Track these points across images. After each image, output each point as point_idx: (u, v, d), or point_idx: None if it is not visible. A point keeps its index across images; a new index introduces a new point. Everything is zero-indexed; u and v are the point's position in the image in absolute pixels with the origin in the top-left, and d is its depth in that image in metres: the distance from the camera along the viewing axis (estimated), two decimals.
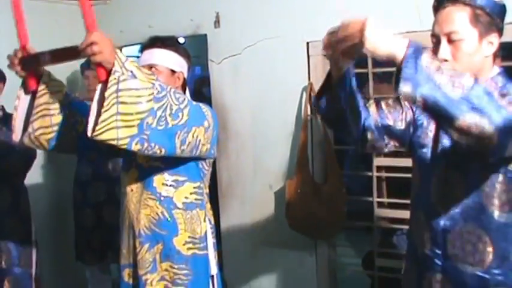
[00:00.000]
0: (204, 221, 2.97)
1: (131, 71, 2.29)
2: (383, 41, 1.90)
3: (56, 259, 5.49)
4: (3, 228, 4.22)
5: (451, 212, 2.26)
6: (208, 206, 3.09)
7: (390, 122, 2.44)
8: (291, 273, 4.87)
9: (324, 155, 4.54)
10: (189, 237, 2.91)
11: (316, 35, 4.38)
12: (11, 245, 4.21)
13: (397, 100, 2.49)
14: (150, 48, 2.96)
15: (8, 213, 4.23)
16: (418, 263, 2.45)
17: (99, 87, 2.28)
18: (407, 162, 3.57)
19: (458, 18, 2.07)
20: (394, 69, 1.88)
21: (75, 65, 5.29)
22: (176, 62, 2.98)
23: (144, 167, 2.92)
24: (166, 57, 2.94)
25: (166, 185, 2.87)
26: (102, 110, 2.19)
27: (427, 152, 2.37)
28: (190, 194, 2.91)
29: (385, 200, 4.51)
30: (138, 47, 6.43)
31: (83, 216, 5.14)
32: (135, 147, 2.31)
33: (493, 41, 2.11)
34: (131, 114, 2.26)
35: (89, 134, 2.20)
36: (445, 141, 2.30)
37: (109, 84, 2.22)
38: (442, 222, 2.29)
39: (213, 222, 3.11)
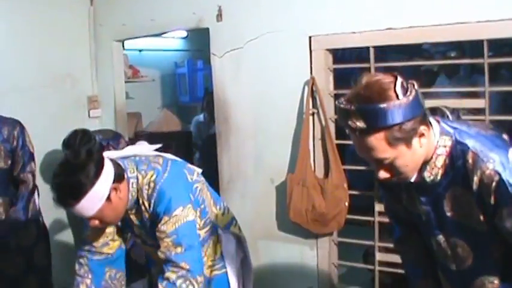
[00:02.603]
0: (219, 241, 3.04)
1: None
2: None
3: None
4: None
5: (461, 269, 2.23)
6: (219, 219, 3.09)
7: None
8: (292, 266, 4.88)
9: (325, 150, 4.54)
10: (211, 261, 3.04)
11: (318, 29, 4.40)
12: None
13: None
14: (68, 207, 2.55)
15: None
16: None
17: None
18: None
19: (379, 146, 1.90)
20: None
21: None
22: (101, 194, 2.52)
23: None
24: (91, 204, 2.51)
25: None
26: None
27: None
28: (199, 231, 2.86)
29: None
30: (140, 40, 6.53)
31: None
32: None
33: (423, 131, 1.96)
34: None
35: None
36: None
37: None
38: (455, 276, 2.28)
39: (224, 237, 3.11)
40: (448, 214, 2.11)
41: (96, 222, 2.59)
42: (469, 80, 6.32)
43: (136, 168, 2.68)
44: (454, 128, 2.06)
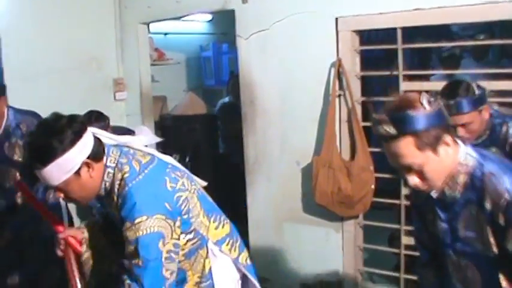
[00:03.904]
0: (207, 257, 2.76)
1: None
2: None
3: None
4: None
5: None
6: (210, 232, 2.80)
7: None
8: (316, 249, 4.88)
9: (351, 132, 4.51)
10: (198, 277, 2.78)
11: (345, 11, 4.36)
12: None
13: None
14: (36, 169, 2.42)
15: None
16: None
17: None
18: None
19: (407, 152, 2.06)
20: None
21: None
22: (71, 164, 2.40)
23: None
24: (58, 172, 2.39)
25: None
26: None
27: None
28: (185, 244, 2.66)
29: None
30: (165, 23, 6.52)
31: None
32: None
33: (448, 141, 2.11)
34: None
35: None
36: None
37: None
38: None
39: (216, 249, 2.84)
40: (461, 234, 2.20)
41: (60, 194, 2.50)
42: (498, 64, 6.23)
43: (117, 160, 2.54)
44: (479, 153, 2.20)
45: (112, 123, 5.60)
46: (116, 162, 2.53)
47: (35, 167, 2.40)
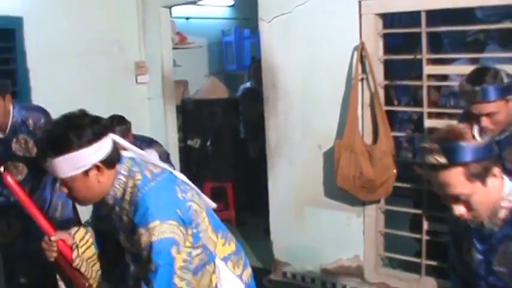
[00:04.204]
0: (214, 272, 2.71)
1: None
2: None
3: None
4: None
5: None
6: (217, 248, 2.75)
7: None
8: (337, 233, 4.86)
9: (374, 116, 4.48)
10: None
11: None
12: None
13: None
14: (48, 158, 2.39)
15: None
16: None
17: None
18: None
19: (456, 182, 2.06)
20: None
21: None
22: (82, 161, 2.39)
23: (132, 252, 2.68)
24: (68, 165, 2.38)
25: None
26: None
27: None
28: (193, 260, 2.60)
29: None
30: (187, 8, 6.51)
31: None
32: None
33: (496, 173, 2.11)
34: None
35: None
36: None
37: None
38: None
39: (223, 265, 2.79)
40: (495, 268, 2.19)
41: (65, 189, 2.44)
42: None
43: (129, 169, 2.53)
44: None
45: (133, 106, 5.66)
46: (128, 171, 2.52)
47: (46, 154, 2.38)
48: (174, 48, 6.28)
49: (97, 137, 2.40)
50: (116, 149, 2.52)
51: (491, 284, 2.21)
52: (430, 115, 4.46)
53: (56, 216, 4.11)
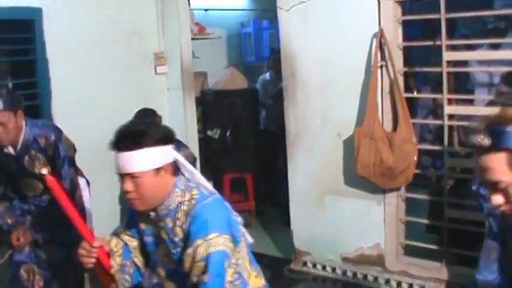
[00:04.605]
0: None
1: None
2: None
3: None
4: None
5: None
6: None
7: None
8: (358, 222, 4.85)
9: (393, 103, 4.46)
10: None
11: None
12: None
13: None
14: (122, 152, 2.47)
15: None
16: None
17: None
18: (479, 110, 3.49)
19: (497, 168, 1.96)
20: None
21: None
22: (157, 158, 2.50)
23: (171, 268, 2.71)
24: (143, 159, 2.46)
25: None
26: None
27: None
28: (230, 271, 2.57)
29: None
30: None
31: None
32: None
33: None
34: None
35: None
36: None
37: None
38: None
39: None
40: None
41: (130, 185, 2.48)
42: None
43: (186, 184, 2.60)
44: None
45: (153, 97, 5.66)
46: (185, 185, 2.59)
47: (124, 147, 2.45)
48: (193, 39, 6.26)
49: (167, 140, 2.55)
50: (175, 161, 2.61)
51: None
52: (450, 102, 4.44)
53: None
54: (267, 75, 7.32)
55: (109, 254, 2.71)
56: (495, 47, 4.97)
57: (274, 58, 6.73)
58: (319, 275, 5.15)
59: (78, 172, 4.12)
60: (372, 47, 4.51)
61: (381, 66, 4.49)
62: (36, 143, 3.86)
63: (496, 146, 1.93)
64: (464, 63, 5.04)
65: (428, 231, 5.09)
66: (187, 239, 2.47)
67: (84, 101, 5.01)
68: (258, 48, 8.26)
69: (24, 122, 3.83)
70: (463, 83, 5.53)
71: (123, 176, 2.49)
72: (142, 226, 2.73)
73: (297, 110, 5.03)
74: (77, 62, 4.99)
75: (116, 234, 2.86)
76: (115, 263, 2.70)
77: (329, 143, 4.87)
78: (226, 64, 8.18)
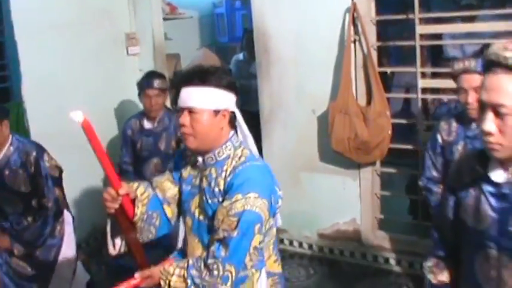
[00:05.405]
0: (258, 280, 2.67)
1: None
2: None
3: None
4: None
5: None
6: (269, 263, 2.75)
7: None
8: (333, 198, 4.87)
9: (367, 77, 4.46)
10: None
11: None
12: None
13: None
14: (188, 86, 2.52)
15: None
16: None
17: None
18: (453, 83, 3.50)
19: (509, 90, 1.83)
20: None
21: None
22: (218, 100, 2.53)
23: (199, 220, 2.68)
24: (205, 97, 2.50)
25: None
26: None
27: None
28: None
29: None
30: None
31: None
32: None
33: None
34: None
35: None
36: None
37: None
38: None
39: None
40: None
41: (187, 119, 2.50)
42: None
43: (240, 142, 2.62)
44: None
45: (125, 78, 5.61)
46: (238, 143, 2.61)
47: (191, 82, 2.50)
48: (164, 19, 6.20)
49: (233, 86, 2.59)
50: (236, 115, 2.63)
51: (503, 246, 1.98)
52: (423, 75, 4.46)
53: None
54: (241, 56, 7.28)
55: (134, 202, 2.66)
56: (468, 21, 4.98)
57: (247, 38, 6.70)
58: (296, 252, 5.16)
59: (64, 202, 3.99)
60: (345, 21, 4.50)
61: (354, 41, 4.48)
62: (18, 158, 3.78)
63: None
64: (438, 37, 5.06)
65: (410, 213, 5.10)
66: (226, 192, 2.48)
67: (55, 83, 4.92)
68: (231, 28, 8.24)
69: (9, 134, 3.77)
70: (436, 58, 5.56)
71: (182, 110, 2.51)
72: (185, 174, 2.73)
73: (271, 87, 5.01)
74: (46, 44, 4.90)
75: (150, 183, 2.82)
76: (138, 211, 2.66)
77: (304, 119, 4.86)
78: (199, 45, 8.14)
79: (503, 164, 1.95)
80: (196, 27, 8.20)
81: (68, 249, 3.96)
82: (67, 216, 3.97)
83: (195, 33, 8.19)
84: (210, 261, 2.37)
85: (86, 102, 5.13)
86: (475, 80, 3.13)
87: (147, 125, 4.75)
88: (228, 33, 8.21)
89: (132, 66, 5.80)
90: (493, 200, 2.01)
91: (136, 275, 2.44)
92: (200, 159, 2.60)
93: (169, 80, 6.12)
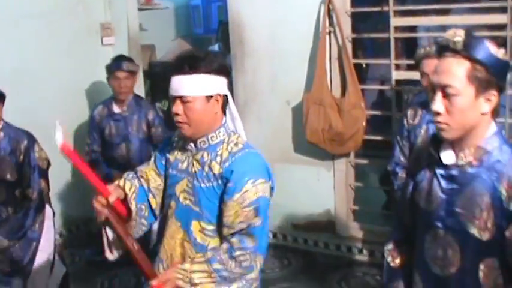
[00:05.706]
0: None
1: None
2: None
3: None
4: None
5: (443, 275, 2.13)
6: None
7: None
8: (307, 189, 4.88)
9: (342, 69, 4.48)
10: None
11: None
12: None
13: None
14: (178, 75, 2.47)
15: None
16: None
17: None
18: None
19: (456, 72, 1.95)
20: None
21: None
22: (210, 86, 2.48)
23: (183, 204, 2.65)
24: (197, 84, 2.46)
25: (204, 233, 2.59)
26: None
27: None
28: None
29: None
30: None
31: None
32: None
33: (491, 99, 1.98)
34: None
35: None
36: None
37: None
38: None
39: None
40: (458, 209, 2.05)
41: (180, 108, 2.46)
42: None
43: (233, 128, 2.61)
44: (505, 139, 2.09)
45: (99, 68, 5.56)
46: (232, 129, 2.60)
47: (181, 70, 2.45)
48: (140, 10, 6.18)
49: (224, 70, 2.55)
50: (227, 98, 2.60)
51: (449, 226, 2.07)
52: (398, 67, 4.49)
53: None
54: (216, 47, 7.29)
55: (124, 202, 2.64)
56: (442, 14, 5.01)
57: (222, 30, 6.73)
58: (270, 243, 5.11)
59: (47, 196, 3.94)
60: (320, 13, 4.51)
61: (329, 33, 4.50)
62: (7, 144, 3.73)
63: (467, 52, 1.94)
64: (413, 30, 5.09)
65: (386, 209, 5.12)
66: (225, 178, 2.45)
67: (29, 74, 4.86)
68: (207, 20, 8.23)
69: (1, 119, 3.72)
70: (410, 51, 5.59)
71: (174, 99, 2.48)
72: (172, 158, 2.69)
73: (245, 78, 5.01)
74: (18, 35, 4.84)
75: (134, 172, 2.80)
76: (133, 207, 2.64)
77: (278, 110, 4.88)
78: (174, 36, 8.13)
79: (454, 146, 2.04)
80: (172, 18, 8.18)
81: (46, 243, 3.91)
82: (48, 211, 3.92)
83: (170, 24, 8.17)
84: (237, 252, 2.38)
85: (60, 93, 5.12)
86: (435, 64, 3.16)
87: (116, 109, 4.76)
88: (204, 24, 8.21)
89: (106, 56, 5.73)
90: (443, 182, 2.09)
91: (154, 282, 2.39)
92: (192, 145, 2.57)
93: (143, 72, 6.12)
